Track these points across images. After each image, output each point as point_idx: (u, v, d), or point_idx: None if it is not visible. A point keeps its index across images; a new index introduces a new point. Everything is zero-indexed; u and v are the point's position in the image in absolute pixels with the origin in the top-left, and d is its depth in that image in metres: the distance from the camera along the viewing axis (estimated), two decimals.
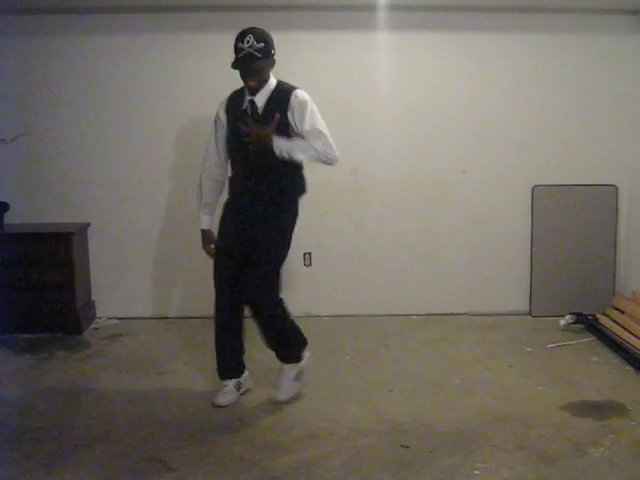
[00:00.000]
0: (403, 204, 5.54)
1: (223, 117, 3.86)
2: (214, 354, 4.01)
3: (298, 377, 4.03)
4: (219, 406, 3.90)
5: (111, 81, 5.34)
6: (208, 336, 5.09)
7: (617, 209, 5.54)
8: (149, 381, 4.33)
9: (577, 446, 3.42)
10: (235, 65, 3.60)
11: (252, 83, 3.66)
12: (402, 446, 3.46)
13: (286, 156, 3.65)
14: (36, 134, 5.38)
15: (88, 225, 5.45)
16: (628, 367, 4.47)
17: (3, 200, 5.29)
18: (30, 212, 5.43)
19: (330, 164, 3.75)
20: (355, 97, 5.36)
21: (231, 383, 3.99)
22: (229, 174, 3.98)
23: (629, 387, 4.17)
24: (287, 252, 3.89)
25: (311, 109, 3.70)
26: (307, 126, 3.67)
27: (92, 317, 5.49)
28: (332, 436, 3.57)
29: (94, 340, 5.09)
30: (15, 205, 5.33)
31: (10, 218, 5.31)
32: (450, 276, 5.64)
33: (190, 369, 4.54)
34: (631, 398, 3.99)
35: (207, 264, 5.49)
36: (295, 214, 3.90)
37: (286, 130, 3.69)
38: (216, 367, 4.03)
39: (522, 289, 5.63)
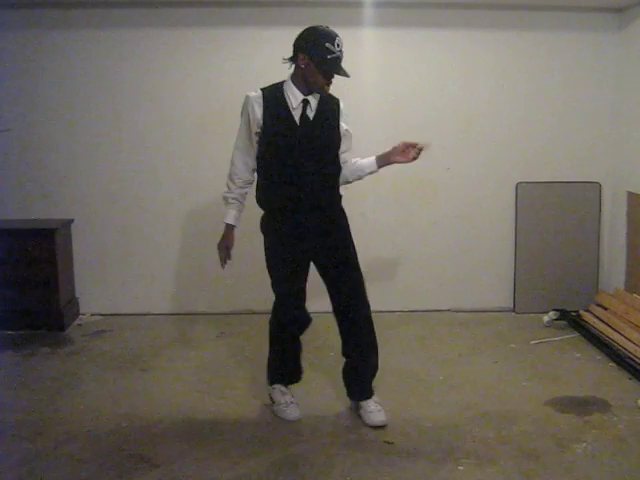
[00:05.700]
0: (387, 201, 5.54)
1: (259, 112, 3.47)
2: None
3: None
4: (293, 420, 3.70)
5: (97, 77, 5.31)
6: (193, 333, 5.12)
7: (600, 206, 5.57)
8: (133, 378, 4.31)
9: (560, 442, 3.45)
10: (325, 67, 3.41)
11: (329, 87, 3.53)
12: (386, 442, 3.47)
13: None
14: (19, 129, 5.33)
15: (72, 221, 5.41)
16: (611, 363, 4.50)
17: None
18: (13, 208, 5.39)
19: None
20: (340, 94, 5.34)
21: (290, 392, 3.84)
22: (261, 180, 3.61)
23: (612, 383, 4.20)
24: None
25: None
26: (346, 129, 3.69)
27: (76, 313, 5.46)
28: (316, 432, 3.58)
29: (77, 337, 5.07)
30: None
31: None
32: (434, 273, 5.65)
33: (174, 366, 4.52)
34: (614, 394, 4.02)
35: (193, 261, 5.52)
36: None
37: (338, 138, 3.63)
38: (284, 373, 3.88)
39: (506, 286, 5.65)
